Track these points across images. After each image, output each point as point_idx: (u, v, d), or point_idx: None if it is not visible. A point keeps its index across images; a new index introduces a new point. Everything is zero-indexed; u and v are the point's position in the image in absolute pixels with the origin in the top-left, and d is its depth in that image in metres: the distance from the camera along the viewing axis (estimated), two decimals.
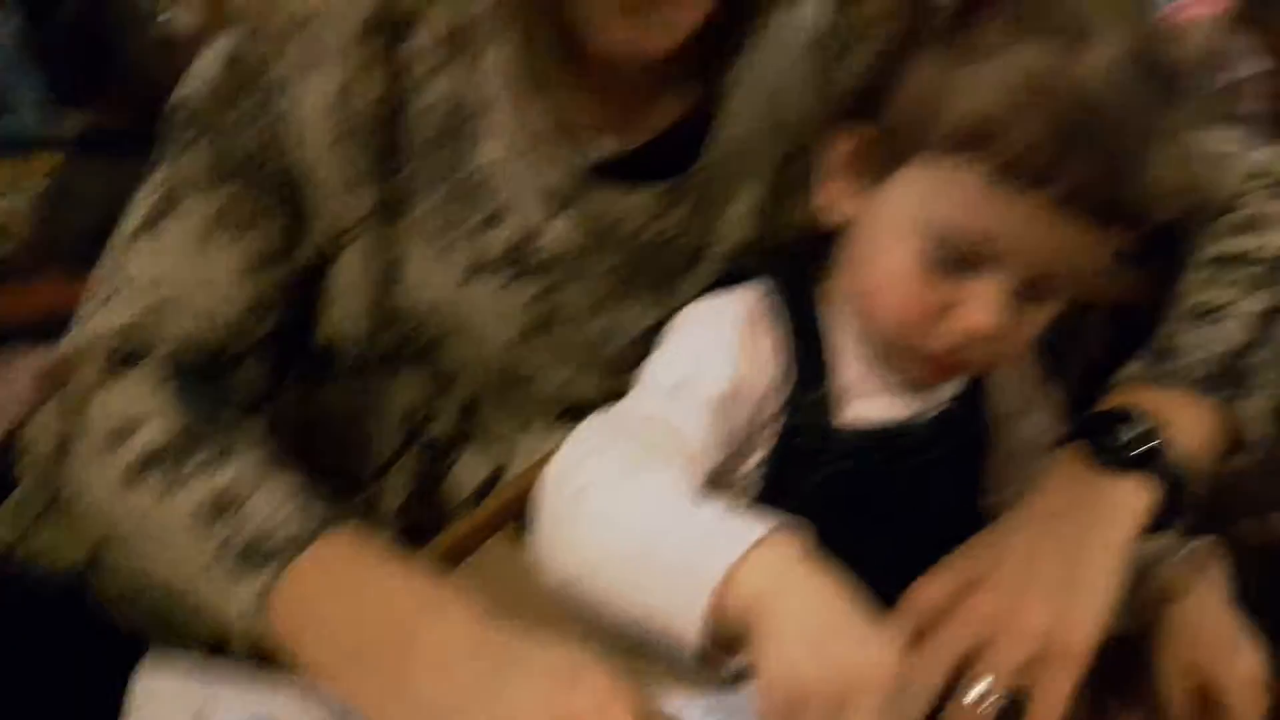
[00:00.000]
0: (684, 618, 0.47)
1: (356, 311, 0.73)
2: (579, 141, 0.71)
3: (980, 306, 0.56)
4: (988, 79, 0.55)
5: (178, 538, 0.61)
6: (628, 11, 0.60)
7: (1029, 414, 0.72)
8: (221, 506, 0.60)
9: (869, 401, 0.65)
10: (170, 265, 0.68)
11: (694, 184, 0.73)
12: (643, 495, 0.53)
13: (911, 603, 0.59)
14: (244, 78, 0.68)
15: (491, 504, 0.72)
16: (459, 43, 0.69)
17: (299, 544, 0.58)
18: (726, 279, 0.70)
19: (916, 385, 0.65)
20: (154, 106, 0.74)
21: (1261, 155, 0.77)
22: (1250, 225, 0.73)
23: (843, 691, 0.44)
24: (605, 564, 0.51)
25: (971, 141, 0.54)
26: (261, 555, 0.58)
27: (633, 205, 0.72)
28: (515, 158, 0.70)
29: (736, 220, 0.74)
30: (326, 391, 0.78)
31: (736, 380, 0.61)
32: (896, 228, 0.59)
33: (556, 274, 0.72)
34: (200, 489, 0.61)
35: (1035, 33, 0.55)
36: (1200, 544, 0.68)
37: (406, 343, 0.74)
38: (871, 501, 0.65)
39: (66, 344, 0.69)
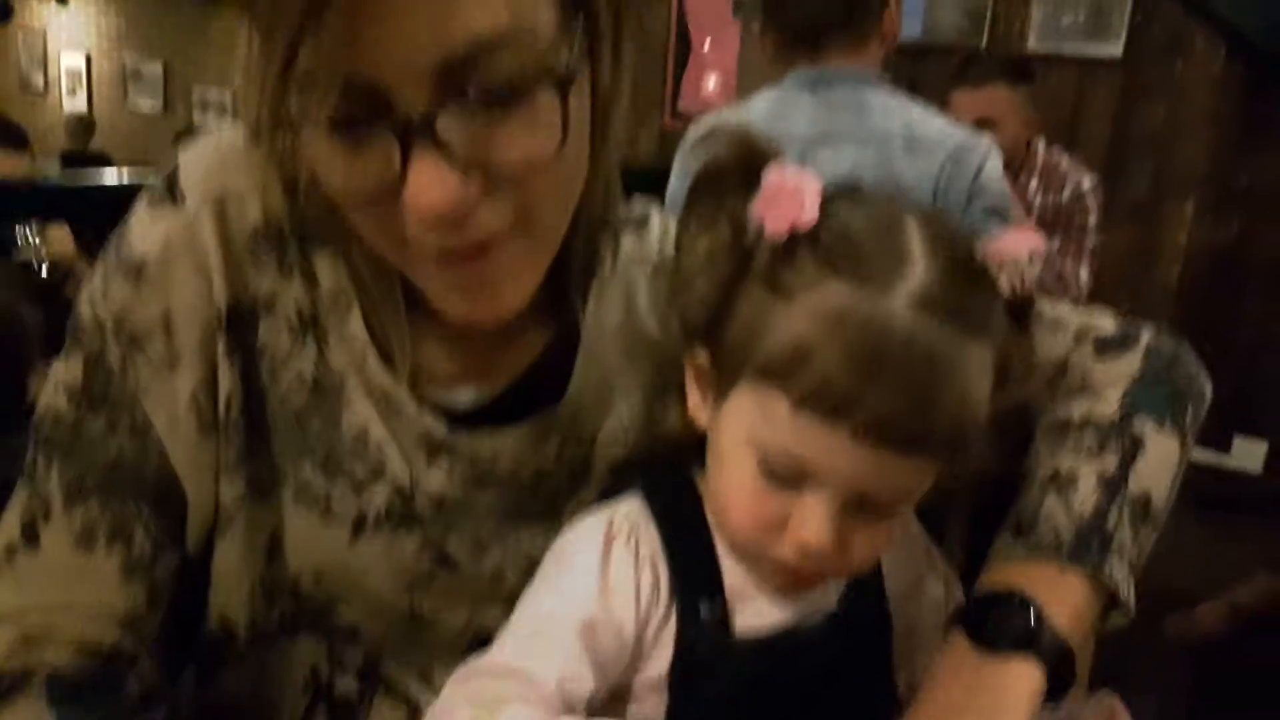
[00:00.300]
0: None
1: (244, 590, 0.73)
2: (441, 393, 0.72)
3: (809, 522, 0.59)
4: (793, 315, 0.57)
5: None
6: (458, 291, 0.62)
7: (923, 588, 0.73)
8: None
9: (759, 606, 0.66)
10: (46, 581, 0.66)
11: (562, 417, 0.74)
12: None
13: None
14: (101, 387, 0.67)
15: None
16: (310, 323, 0.70)
17: None
18: (611, 491, 0.71)
19: (793, 589, 0.66)
20: None
21: (1082, 314, 0.79)
22: (1083, 389, 0.75)
23: None
24: None
25: (778, 372, 0.57)
26: None
27: (504, 446, 0.73)
28: (382, 418, 0.71)
29: (612, 439, 0.76)
30: (226, 671, 0.76)
31: (596, 610, 0.62)
32: (734, 443, 0.62)
33: (441, 520, 0.73)
34: None
35: (843, 271, 0.57)
36: (1103, 696, 0.69)
37: (300, 610, 0.74)
38: (779, 702, 0.66)
39: None
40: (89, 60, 7.24)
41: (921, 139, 1.61)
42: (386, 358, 0.70)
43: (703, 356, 0.64)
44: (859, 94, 1.65)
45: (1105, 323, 0.79)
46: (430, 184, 0.55)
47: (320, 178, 0.59)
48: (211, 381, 0.68)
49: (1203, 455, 3.20)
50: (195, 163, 0.70)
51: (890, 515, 0.62)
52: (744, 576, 0.66)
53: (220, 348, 0.68)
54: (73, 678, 0.64)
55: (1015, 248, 0.62)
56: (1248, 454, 3.30)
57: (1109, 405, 0.73)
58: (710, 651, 0.64)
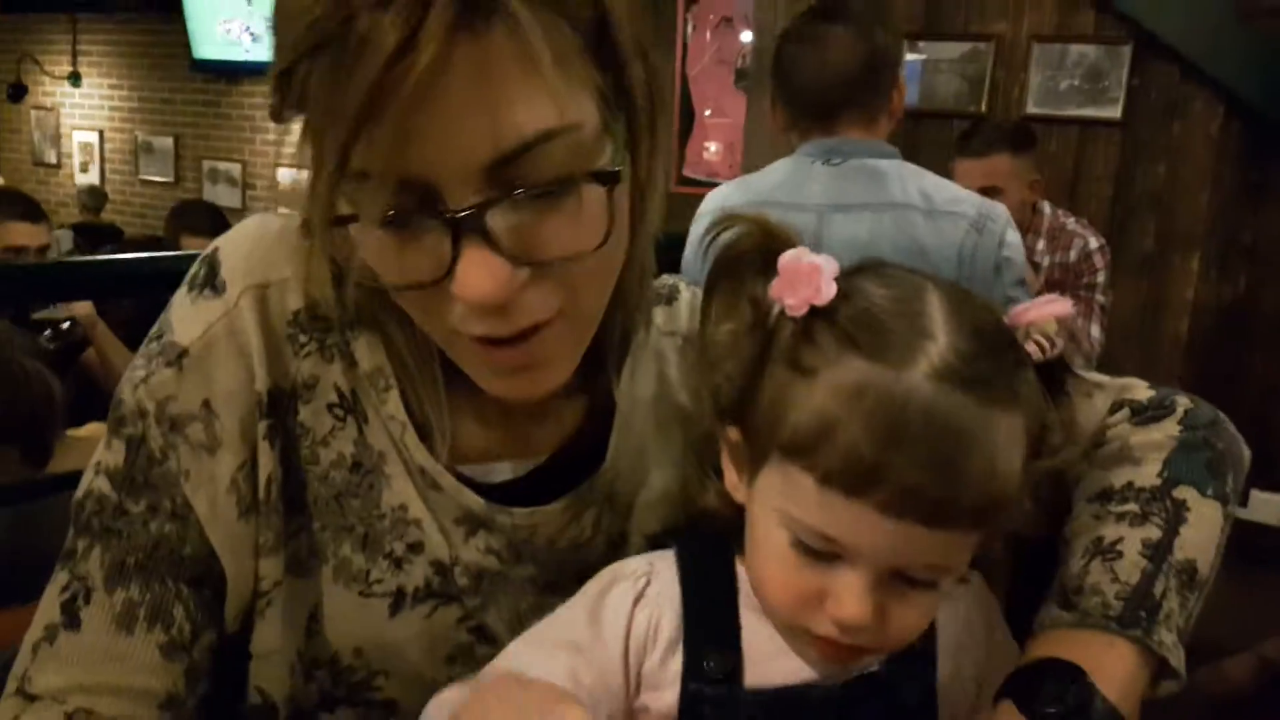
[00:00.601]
0: None
1: (284, 667, 0.73)
2: (478, 470, 0.74)
3: (845, 599, 0.59)
4: (814, 393, 0.58)
5: None
6: (501, 374, 0.64)
7: (982, 661, 0.72)
8: None
9: (786, 664, 0.66)
10: (87, 662, 0.66)
11: (599, 489, 0.75)
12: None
13: None
14: (142, 471, 0.68)
15: None
16: (350, 404, 0.71)
17: None
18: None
19: (838, 663, 0.65)
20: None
21: (1117, 383, 0.80)
22: (1124, 458, 0.75)
23: None
24: None
25: (802, 449, 0.58)
26: None
27: (542, 521, 0.74)
28: (421, 496, 0.72)
29: (648, 508, 0.77)
30: None
31: (583, 637, 0.66)
32: (766, 521, 0.63)
33: (480, 593, 0.74)
34: None
35: (863, 346, 0.58)
36: None
37: (338, 684, 0.74)
38: None
39: None
40: (101, 136, 7.36)
41: (941, 207, 1.64)
42: (424, 436, 0.72)
43: (735, 434, 0.66)
44: (873, 165, 1.69)
45: (1140, 391, 0.80)
46: (479, 276, 0.56)
47: (372, 267, 0.60)
48: (252, 464, 0.69)
49: None
50: (234, 250, 0.72)
51: (931, 587, 0.61)
52: (771, 637, 0.66)
53: (260, 431, 0.69)
54: None
55: (1041, 314, 0.63)
56: (1265, 507, 3.29)
57: (1150, 473, 0.73)
58: (714, 701, 0.65)
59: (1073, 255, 2.68)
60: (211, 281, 0.70)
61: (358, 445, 0.72)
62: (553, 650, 0.67)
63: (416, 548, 0.73)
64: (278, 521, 0.70)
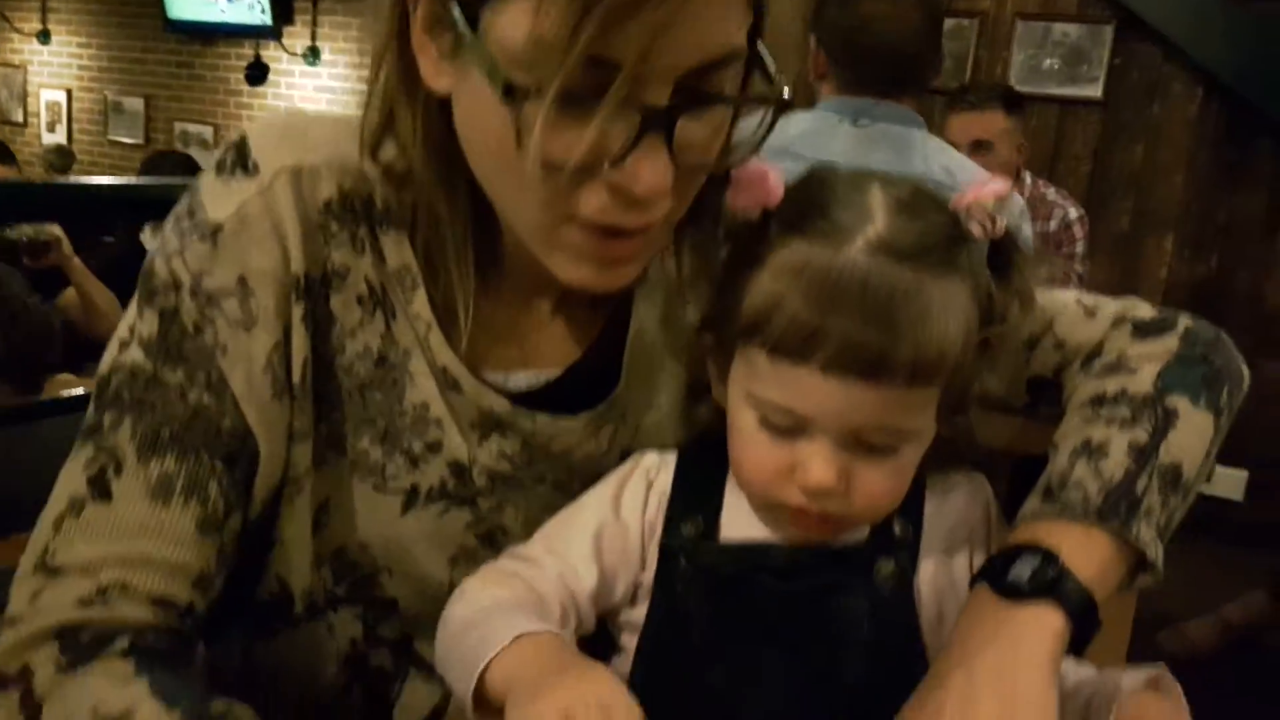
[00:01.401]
0: (465, 693, 0.62)
1: (302, 557, 0.73)
2: (497, 377, 0.75)
3: (810, 465, 0.64)
4: (763, 278, 0.64)
5: None
6: (594, 262, 0.66)
7: (970, 558, 0.74)
8: None
9: (754, 534, 0.71)
10: (119, 533, 0.64)
11: (615, 407, 0.77)
12: (477, 601, 0.68)
13: None
14: (176, 343, 0.67)
15: None
16: (379, 298, 0.72)
17: None
18: None
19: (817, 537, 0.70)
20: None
21: (1120, 303, 0.81)
22: (1119, 366, 0.76)
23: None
24: (441, 647, 0.68)
25: (754, 328, 0.64)
26: None
27: (561, 430, 0.76)
28: (443, 395, 0.72)
29: (658, 427, 0.80)
30: (272, 642, 0.76)
31: (608, 516, 0.72)
32: (739, 406, 0.68)
33: (494, 496, 0.75)
34: None
35: (806, 232, 0.64)
36: (1156, 670, 0.69)
37: (340, 581, 0.75)
38: (761, 613, 0.69)
39: (2, 642, 0.62)
40: (69, 95, 7.22)
41: (962, 187, 1.64)
42: (448, 337, 0.72)
43: (710, 339, 0.71)
44: (903, 133, 1.65)
45: (1143, 309, 0.81)
46: (653, 169, 0.59)
47: (521, 143, 0.59)
48: (286, 346, 0.69)
49: None
50: (265, 134, 0.71)
51: (892, 454, 0.65)
52: (750, 517, 0.71)
53: (297, 314, 0.69)
54: (154, 644, 0.63)
55: (981, 194, 0.68)
56: (1229, 483, 3.34)
57: (1144, 381, 0.74)
58: (687, 551, 0.71)
59: (1053, 225, 2.70)
60: (243, 163, 0.69)
61: (384, 340, 0.72)
62: (582, 527, 0.72)
63: (435, 447, 0.73)
64: (309, 408, 0.70)
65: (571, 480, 0.76)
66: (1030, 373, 0.82)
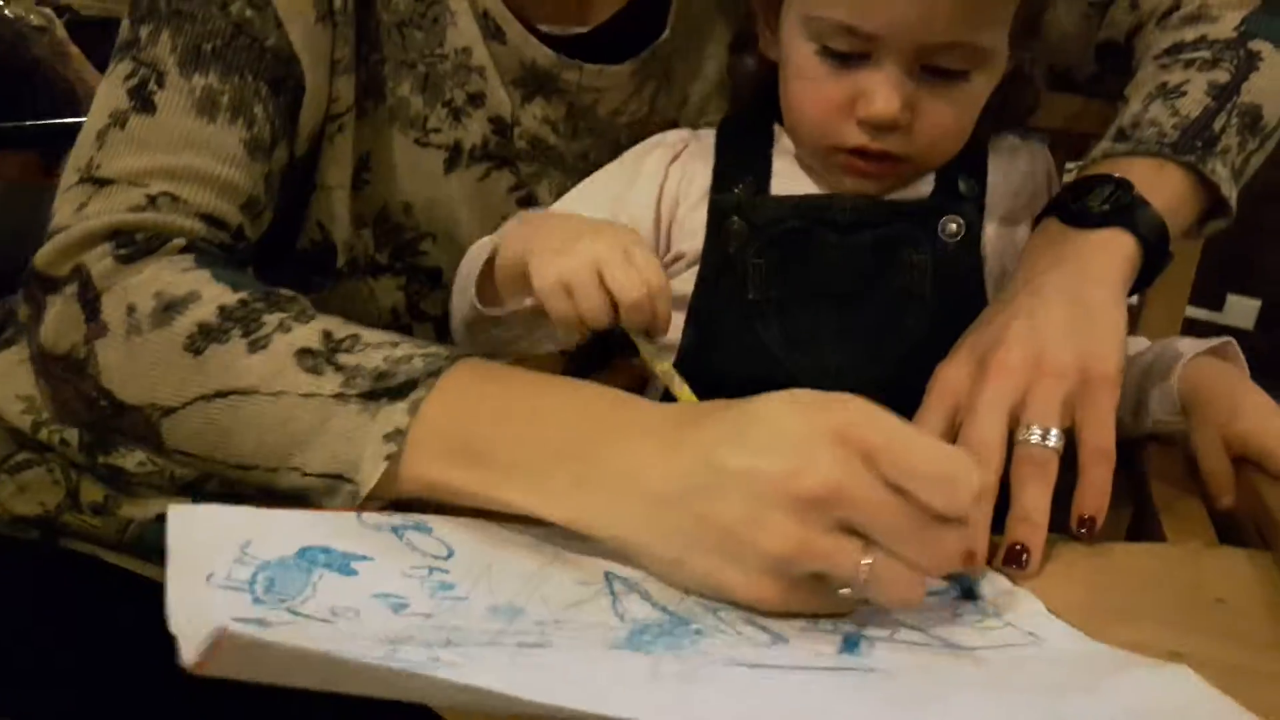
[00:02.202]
0: (479, 268, 0.63)
1: (342, 207, 0.70)
2: (541, 23, 0.71)
3: (876, 92, 0.60)
4: None
5: (284, 379, 0.52)
6: None
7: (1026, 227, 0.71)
8: (333, 345, 0.53)
9: (804, 185, 0.69)
10: (166, 144, 0.61)
11: (660, 59, 0.74)
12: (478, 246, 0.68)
13: (937, 385, 0.60)
14: None
15: None
16: None
17: (436, 369, 0.52)
18: None
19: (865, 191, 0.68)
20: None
21: None
22: (1199, 16, 0.73)
23: (589, 264, 0.56)
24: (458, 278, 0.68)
25: None
26: (399, 384, 0.51)
27: (606, 84, 0.73)
28: (486, 41, 0.69)
29: (703, 99, 0.77)
30: (314, 300, 0.73)
31: (622, 189, 0.71)
32: (795, 38, 0.64)
33: (536, 162, 0.73)
34: (297, 336, 0.54)
35: None
36: (1221, 340, 0.69)
37: (382, 246, 0.72)
38: (823, 277, 0.67)
39: (49, 248, 0.59)
40: None
41: None
42: None
43: None
44: None
45: None
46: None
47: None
48: None
49: (1195, 312, 3.22)
50: None
51: (962, 81, 0.62)
52: (801, 176, 0.69)
53: None
54: (211, 249, 0.61)
55: None
56: (1240, 311, 3.33)
57: (1226, 27, 0.71)
58: (740, 207, 0.68)
59: None
60: None
61: None
62: (593, 200, 0.71)
63: (477, 99, 0.70)
64: (352, 36, 0.66)
65: (613, 154, 0.75)
66: (1102, 36, 0.78)
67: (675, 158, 0.72)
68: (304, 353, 0.53)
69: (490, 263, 0.63)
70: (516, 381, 0.54)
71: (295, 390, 0.52)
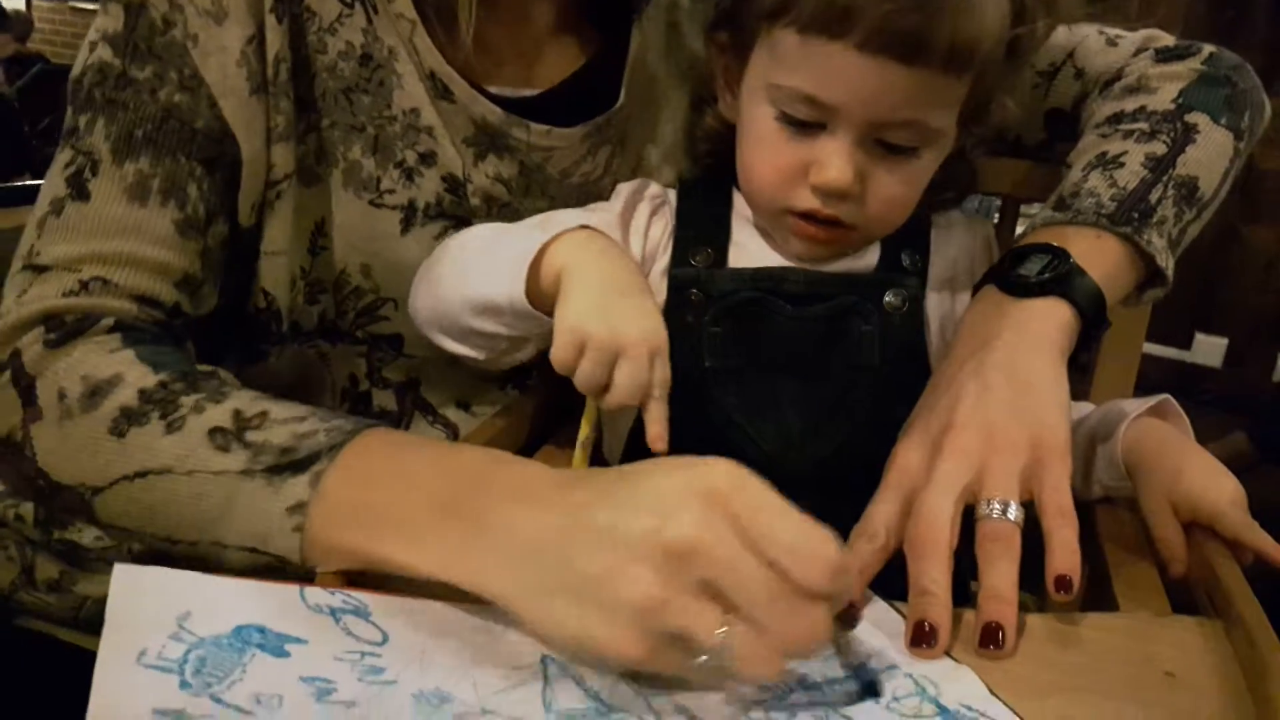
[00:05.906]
0: (512, 284, 0.62)
1: (289, 274, 0.71)
2: (490, 84, 0.72)
3: (828, 162, 0.61)
4: None
5: (196, 458, 0.54)
6: None
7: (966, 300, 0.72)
8: (242, 424, 0.55)
9: (762, 259, 0.70)
10: (98, 232, 0.63)
11: (615, 124, 0.76)
12: (493, 230, 0.70)
13: (894, 468, 0.60)
14: (145, 39, 0.64)
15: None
16: None
17: (339, 442, 0.53)
18: None
19: (822, 253, 0.69)
20: None
21: (1142, 33, 0.80)
22: (1139, 87, 0.75)
23: (615, 343, 0.58)
24: (463, 258, 0.68)
25: (780, 9, 0.61)
26: (302, 457, 0.53)
27: (555, 144, 0.74)
28: (433, 102, 0.70)
29: (659, 159, 0.78)
30: (264, 365, 0.75)
31: (614, 233, 0.69)
32: (755, 104, 0.65)
33: (491, 219, 0.73)
34: (209, 416, 0.56)
35: None
36: (1160, 399, 0.70)
37: (343, 311, 0.73)
38: (777, 348, 0.68)
39: None
40: None
41: None
42: (438, 46, 0.70)
43: (724, 38, 0.68)
44: None
45: (1166, 38, 0.79)
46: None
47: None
48: (260, 40, 0.65)
49: (1164, 350, 3.26)
50: None
51: (911, 157, 0.63)
52: (758, 242, 0.71)
53: (267, 4, 0.65)
54: (139, 328, 0.62)
55: None
56: (1208, 350, 3.37)
57: (1164, 99, 0.73)
58: (698, 281, 0.69)
59: None
60: None
61: (366, 36, 0.69)
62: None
63: (429, 158, 0.71)
64: (289, 107, 0.67)
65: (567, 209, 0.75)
66: (1048, 105, 0.80)
67: (654, 213, 0.73)
68: (215, 431, 0.55)
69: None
70: (411, 446, 0.55)
71: (207, 469, 0.54)
